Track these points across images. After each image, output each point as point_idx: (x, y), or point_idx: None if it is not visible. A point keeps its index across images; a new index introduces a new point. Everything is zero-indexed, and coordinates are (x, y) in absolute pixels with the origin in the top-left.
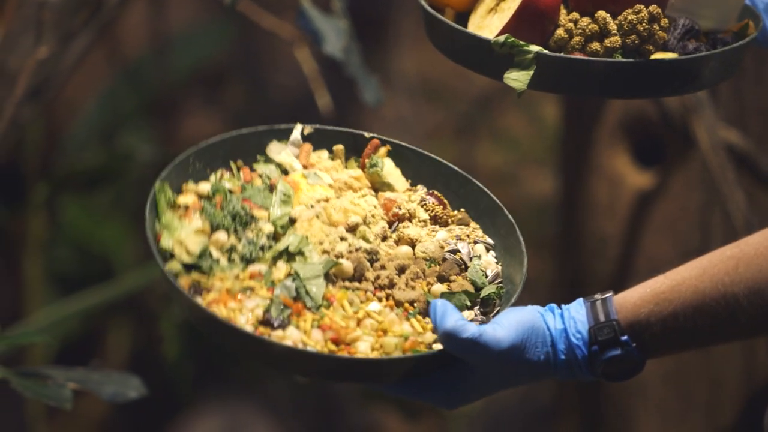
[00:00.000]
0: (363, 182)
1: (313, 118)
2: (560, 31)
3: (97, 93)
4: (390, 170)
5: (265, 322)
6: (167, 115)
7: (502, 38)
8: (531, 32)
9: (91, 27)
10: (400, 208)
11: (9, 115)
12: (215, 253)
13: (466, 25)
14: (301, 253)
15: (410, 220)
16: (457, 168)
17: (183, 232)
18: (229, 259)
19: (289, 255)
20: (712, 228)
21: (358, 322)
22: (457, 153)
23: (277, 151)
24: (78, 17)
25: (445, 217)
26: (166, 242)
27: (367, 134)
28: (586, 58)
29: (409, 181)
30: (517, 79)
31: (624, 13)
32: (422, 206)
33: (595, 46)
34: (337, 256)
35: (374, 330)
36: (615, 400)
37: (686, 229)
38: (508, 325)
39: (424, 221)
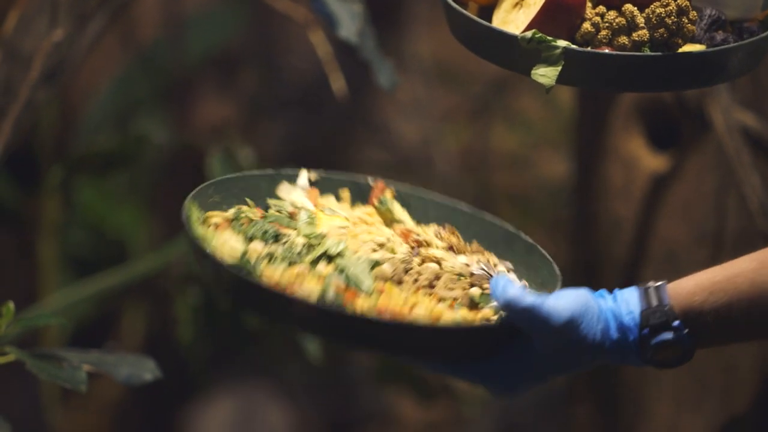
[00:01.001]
0: (376, 218)
1: (327, 102)
2: (587, 25)
3: (112, 76)
4: (399, 210)
5: None
6: (182, 98)
7: (528, 34)
8: (557, 27)
9: (105, 10)
10: (418, 235)
11: (24, 98)
12: (254, 260)
13: (490, 20)
14: (341, 255)
15: (429, 246)
16: (464, 206)
17: (220, 240)
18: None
19: (329, 258)
20: (727, 211)
21: (411, 309)
22: (472, 136)
23: (287, 191)
24: (93, 0)
25: (461, 246)
26: (206, 247)
27: (370, 179)
28: (615, 52)
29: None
30: (545, 74)
31: (652, 5)
32: (437, 237)
33: (623, 39)
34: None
35: (428, 313)
36: (629, 385)
37: (701, 212)
38: (567, 298)
39: (443, 249)
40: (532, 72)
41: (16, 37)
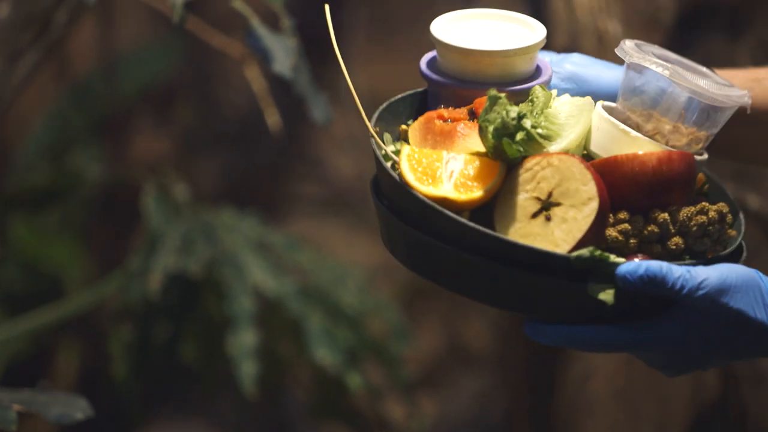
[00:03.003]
0: None
1: (264, 137)
2: (613, 233)
3: (46, 111)
4: None
5: None
6: (117, 133)
7: (586, 252)
8: (597, 237)
9: (39, 45)
10: None
11: None
12: None
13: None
14: None
15: None
16: None
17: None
18: None
19: None
20: None
21: None
22: None
23: None
24: (26, 35)
25: None
26: None
27: None
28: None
29: None
30: (606, 293)
31: (688, 213)
32: None
33: (656, 248)
34: None
35: None
36: (565, 417)
37: None
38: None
39: None
40: (590, 289)
41: None
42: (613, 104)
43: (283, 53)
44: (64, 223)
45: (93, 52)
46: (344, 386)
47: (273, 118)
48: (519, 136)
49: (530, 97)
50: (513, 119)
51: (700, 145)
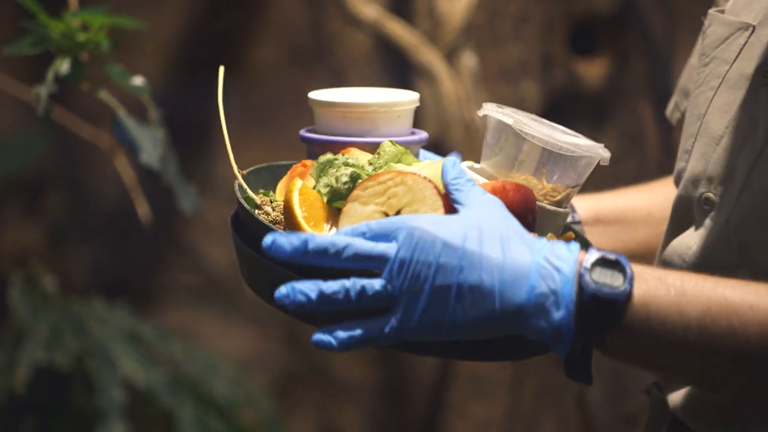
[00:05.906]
0: None
1: (135, 227)
2: None
3: None
4: None
5: None
6: None
7: None
8: None
9: None
10: None
11: None
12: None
13: None
14: None
15: None
16: None
17: None
18: None
19: None
20: None
21: None
22: None
23: None
24: None
25: None
26: None
27: None
28: None
29: None
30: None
31: None
32: None
33: None
34: None
35: None
36: None
37: None
38: None
39: None
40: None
41: None
42: (477, 165)
43: (151, 144)
44: None
45: None
46: None
47: (143, 209)
48: None
49: (378, 151)
50: (345, 183)
51: (558, 198)
